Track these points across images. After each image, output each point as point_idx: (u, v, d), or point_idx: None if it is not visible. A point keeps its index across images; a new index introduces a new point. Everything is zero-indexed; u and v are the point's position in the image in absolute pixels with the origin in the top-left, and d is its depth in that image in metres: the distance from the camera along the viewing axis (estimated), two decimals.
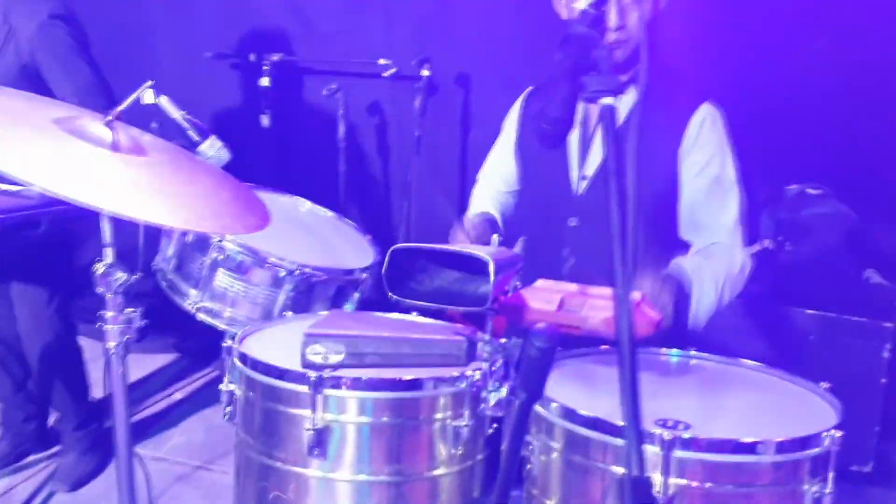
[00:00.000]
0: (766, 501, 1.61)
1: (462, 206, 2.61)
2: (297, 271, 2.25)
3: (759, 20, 3.34)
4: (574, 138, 2.31)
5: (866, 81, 3.33)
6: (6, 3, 2.90)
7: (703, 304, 2.14)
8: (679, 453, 1.55)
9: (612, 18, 2.10)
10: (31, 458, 3.38)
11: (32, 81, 2.78)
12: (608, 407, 1.62)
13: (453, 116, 3.92)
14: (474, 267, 1.60)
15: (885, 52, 3.28)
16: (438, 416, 1.79)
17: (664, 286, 2.05)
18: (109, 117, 1.83)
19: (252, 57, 3.87)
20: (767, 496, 1.61)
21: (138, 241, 2.29)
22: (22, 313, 3.20)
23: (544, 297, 1.72)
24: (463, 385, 1.79)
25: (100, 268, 1.83)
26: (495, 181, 2.56)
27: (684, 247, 2.32)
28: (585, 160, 2.30)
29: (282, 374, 1.79)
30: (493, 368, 1.76)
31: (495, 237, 1.90)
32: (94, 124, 1.82)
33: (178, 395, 4.03)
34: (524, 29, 3.42)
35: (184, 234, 2.32)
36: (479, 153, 2.65)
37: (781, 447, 1.59)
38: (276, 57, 3.88)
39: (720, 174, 2.25)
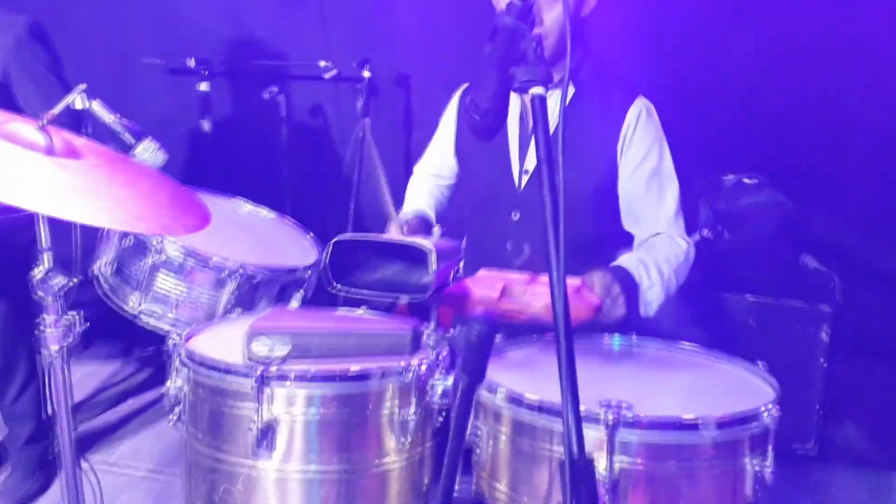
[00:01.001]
0: (709, 477, 1.64)
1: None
2: (240, 271, 2.24)
3: (692, 16, 3.40)
4: (514, 134, 2.33)
5: (799, 74, 3.40)
6: None
7: (651, 294, 2.17)
8: (623, 433, 1.58)
9: None
10: None
11: (1, 94, 2.75)
12: (553, 392, 1.65)
13: (395, 116, 3.93)
14: (416, 257, 1.62)
15: (815, 44, 3.36)
16: (386, 407, 1.78)
17: (614, 280, 2.08)
18: (42, 121, 1.81)
19: (190, 62, 3.85)
20: (710, 472, 1.64)
21: (74, 250, 2.28)
22: None
23: (487, 286, 1.75)
24: (409, 376, 1.78)
25: (38, 273, 1.81)
26: (433, 173, 2.57)
27: (628, 237, 2.35)
28: (526, 155, 2.31)
29: (228, 369, 1.78)
30: (439, 358, 1.79)
31: (437, 228, 1.92)
32: (28, 129, 1.80)
33: (128, 402, 3.99)
34: (463, 28, 3.44)
35: (122, 238, 2.30)
36: (422, 151, 2.66)
37: (722, 424, 1.62)
38: (214, 61, 3.87)
39: (657, 166, 2.29)
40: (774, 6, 3.36)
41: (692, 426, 1.61)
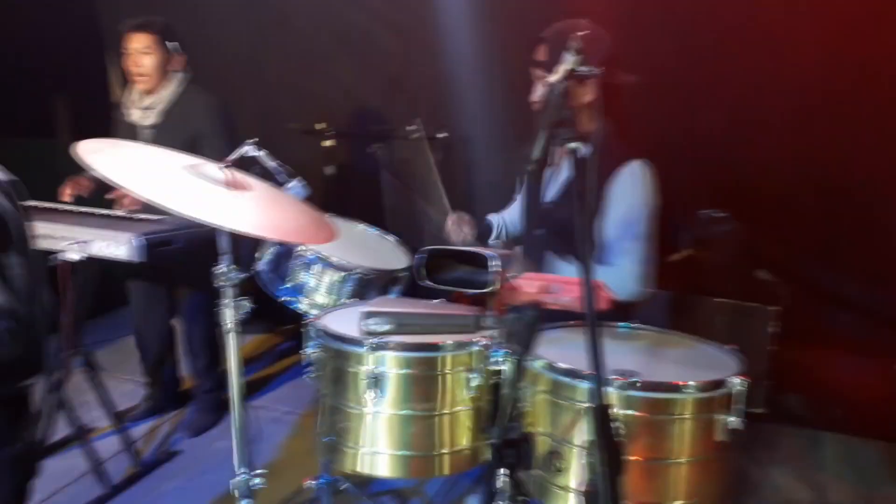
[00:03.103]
0: (691, 426, 1.62)
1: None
2: (356, 271, 2.26)
3: (682, 95, 3.35)
4: (546, 174, 2.31)
5: (753, 138, 3.34)
6: (186, 99, 3.05)
7: None
8: (630, 393, 1.57)
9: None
10: (167, 413, 3.41)
11: (189, 148, 2.88)
12: (577, 361, 1.64)
13: (462, 166, 3.94)
14: (482, 262, 1.62)
15: (766, 113, 3.30)
16: (457, 369, 1.80)
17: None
18: (223, 165, 1.86)
19: (318, 125, 3.90)
20: (692, 423, 1.62)
21: (242, 252, 2.32)
22: (181, 308, 3.23)
23: (531, 284, 1.74)
24: (474, 348, 1.80)
25: (219, 269, 1.86)
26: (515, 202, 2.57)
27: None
28: (550, 187, 2.29)
29: (348, 340, 1.81)
30: (496, 336, 1.79)
31: (497, 241, 1.91)
32: (214, 169, 1.85)
33: (277, 363, 4.08)
34: (512, 104, 3.44)
35: (277, 246, 2.34)
36: (481, 193, 2.66)
37: (702, 387, 1.61)
38: (336, 125, 3.92)
39: (629, 213, 2.14)
40: (737, 86, 3.30)
41: (680, 388, 1.60)
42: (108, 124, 3.26)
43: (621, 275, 2.17)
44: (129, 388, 3.54)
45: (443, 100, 3.89)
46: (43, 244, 2.46)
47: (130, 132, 3.09)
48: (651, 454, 1.60)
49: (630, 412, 1.58)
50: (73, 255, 2.47)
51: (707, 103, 3.34)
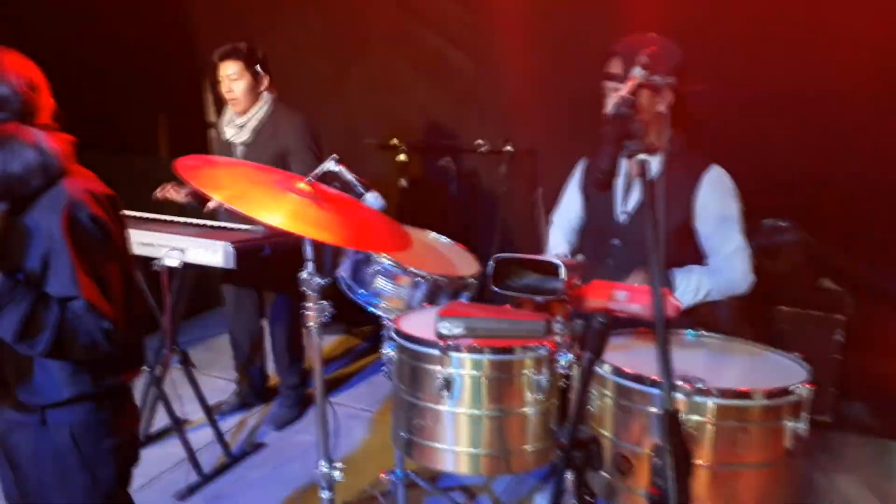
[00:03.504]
0: (759, 433, 1.55)
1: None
2: (428, 278, 2.27)
3: (753, 110, 3.25)
4: (618, 186, 2.26)
5: (818, 147, 3.20)
6: (275, 117, 3.13)
7: (681, 294, 2.06)
8: (697, 399, 1.52)
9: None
10: (254, 407, 3.49)
11: (278, 162, 2.98)
12: (643, 367, 1.61)
13: (527, 177, 3.91)
14: (551, 269, 1.61)
15: (832, 123, 3.16)
16: (526, 371, 1.78)
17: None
18: (308, 179, 1.89)
19: (393, 141, 3.95)
20: (759, 429, 1.56)
21: (325, 259, 2.36)
22: (268, 310, 3.32)
23: (599, 292, 1.71)
24: (543, 351, 1.77)
25: (304, 275, 1.89)
26: (566, 221, 2.47)
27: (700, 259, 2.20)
28: (625, 200, 2.25)
29: (423, 342, 1.82)
30: (563, 340, 1.76)
31: (565, 248, 1.88)
32: (300, 184, 1.89)
33: (354, 363, 4.11)
34: (576, 117, 3.39)
35: (356, 254, 2.37)
36: (547, 203, 2.61)
37: (769, 394, 1.54)
38: (409, 140, 3.96)
39: (722, 214, 2.13)
40: (803, 94, 3.17)
41: (746, 395, 1.54)
42: (204, 142, 3.39)
43: (733, 273, 2.13)
44: (220, 384, 3.65)
45: (509, 114, 3.88)
46: (144, 251, 2.57)
47: (226, 149, 3.20)
48: (718, 459, 1.54)
49: (697, 418, 1.52)
50: (172, 262, 2.57)
51: (772, 112, 3.22)
